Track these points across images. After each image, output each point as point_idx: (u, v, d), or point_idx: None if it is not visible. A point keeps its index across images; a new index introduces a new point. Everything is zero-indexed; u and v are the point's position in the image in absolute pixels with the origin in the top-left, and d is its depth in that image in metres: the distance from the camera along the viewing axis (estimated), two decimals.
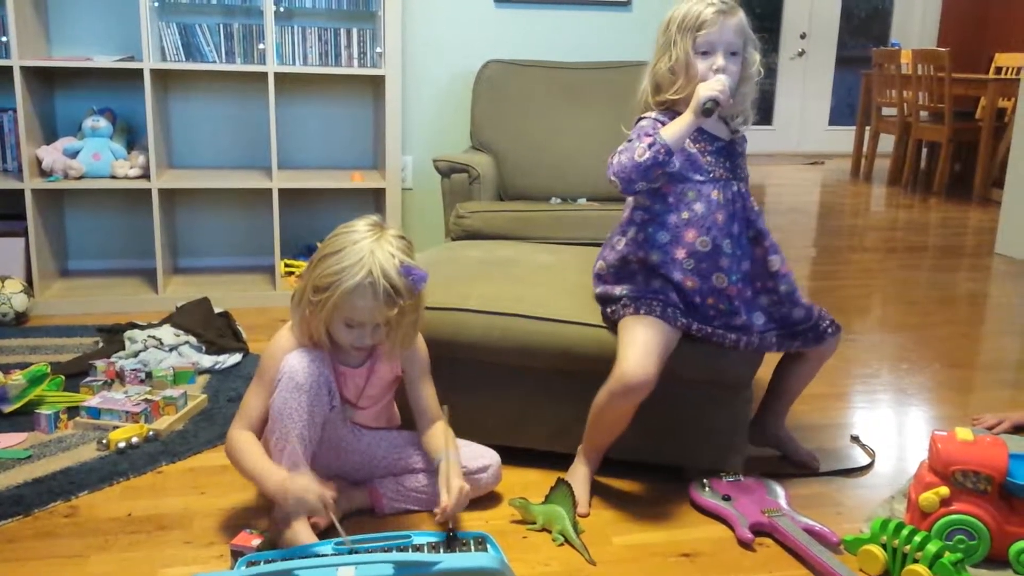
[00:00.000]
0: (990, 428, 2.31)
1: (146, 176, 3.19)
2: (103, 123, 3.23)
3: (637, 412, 1.82)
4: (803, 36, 8.12)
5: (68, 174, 3.14)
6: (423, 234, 3.56)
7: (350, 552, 1.53)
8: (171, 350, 2.62)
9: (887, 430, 2.40)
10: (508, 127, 3.31)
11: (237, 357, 2.68)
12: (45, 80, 3.25)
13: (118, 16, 3.27)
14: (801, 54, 8.15)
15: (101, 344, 2.76)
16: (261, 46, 3.22)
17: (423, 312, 1.78)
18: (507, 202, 3.19)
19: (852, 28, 8.34)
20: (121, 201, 3.44)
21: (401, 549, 1.55)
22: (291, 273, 3.45)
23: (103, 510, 1.84)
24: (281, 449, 1.67)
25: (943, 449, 1.71)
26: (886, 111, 7.15)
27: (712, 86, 1.73)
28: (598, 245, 2.05)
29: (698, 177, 1.83)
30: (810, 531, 1.76)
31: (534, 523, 1.81)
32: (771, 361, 2.06)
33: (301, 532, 1.66)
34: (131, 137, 3.37)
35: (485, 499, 1.90)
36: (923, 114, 6.64)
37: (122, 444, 2.08)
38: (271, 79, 3.17)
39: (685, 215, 1.82)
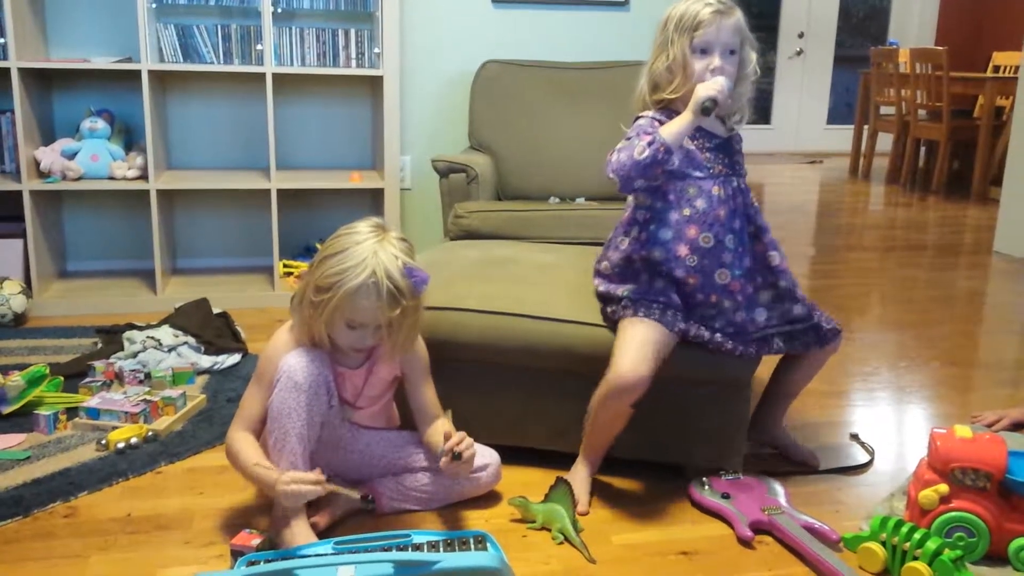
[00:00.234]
0: (989, 425, 2.31)
1: (144, 177, 3.19)
2: (101, 124, 3.23)
3: (637, 411, 1.82)
4: (801, 35, 8.13)
5: (66, 175, 3.14)
6: (421, 234, 3.56)
7: (364, 500, 1.58)
8: (170, 351, 2.62)
9: (886, 428, 2.40)
10: (506, 127, 3.31)
11: (236, 357, 2.68)
12: (43, 81, 3.25)
13: (116, 17, 3.27)
14: (799, 53, 8.15)
15: (100, 345, 2.76)
16: (259, 47, 3.22)
17: (423, 313, 1.78)
18: (505, 202, 3.19)
19: (850, 27, 8.34)
20: (119, 202, 3.44)
21: (401, 548, 1.55)
22: (290, 273, 3.45)
23: (102, 511, 1.84)
24: (280, 449, 1.67)
25: (942, 447, 1.71)
26: (884, 110, 7.16)
27: (711, 86, 1.74)
28: (597, 244, 2.05)
29: (698, 173, 1.84)
30: (810, 529, 1.76)
31: (534, 522, 1.81)
32: (771, 359, 2.06)
33: (301, 532, 1.66)
34: (129, 138, 3.36)
35: (485, 498, 1.90)
36: (921, 113, 6.65)
37: (121, 445, 2.08)
38: (269, 80, 3.17)
39: (687, 212, 1.83)
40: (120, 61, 3.19)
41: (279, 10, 3.30)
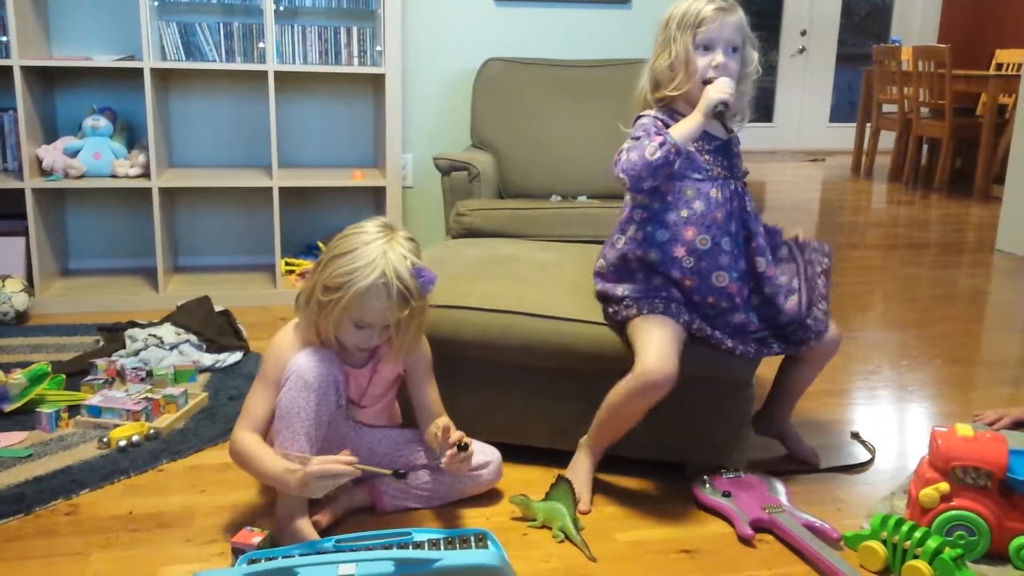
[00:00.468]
0: (990, 424, 2.31)
1: (146, 175, 3.19)
2: (103, 122, 3.23)
3: None
4: (803, 33, 8.12)
5: (68, 173, 3.15)
6: (423, 232, 3.56)
7: (396, 475, 1.62)
8: (172, 348, 2.62)
9: (887, 426, 2.40)
10: (508, 125, 3.31)
11: (238, 355, 2.68)
12: (45, 79, 3.25)
13: (118, 15, 3.27)
14: (802, 51, 8.15)
15: (102, 343, 2.76)
16: (261, 45, 3.22)
17: (428, 313, 1.79)
18: (507, 200, 3.19)
19: (852, 25, 8.33)
20: (121, 200, 3.44)
21: (402, 546, 1.55)
22: (291, 271, 3.46)
23: (104, 508, 1.85)
24: (288, 448, 1.67)
25: (943, 445, 1.71)
26: (887, 108, 7.15)
27: (721, 88, 1.75)
28: (598, 243, 2.05)
29: (697, 175, 1.84)
30: (811, 527, 1.76)
31: (535, 520, 1.81)
32: (773, 359, 2.06)
33: (302, 530, 1.66)
34: (131, 136, 3.37)
35: (486, 496, 1.90)
36: (924, 111, 6.64)
37: (123, 442, 2.09)
38: (271, 78, 3.17)
39: (684, 213, 1.83)
40: (122, 59, 3.19)
41: (281, 8, 3.30)
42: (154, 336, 2.64)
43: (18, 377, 2.26)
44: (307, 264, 3.48)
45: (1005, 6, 7.42)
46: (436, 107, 3.65)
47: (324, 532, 1.72)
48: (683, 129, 1.76)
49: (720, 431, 1.97)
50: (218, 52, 3.23)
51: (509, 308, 1.99)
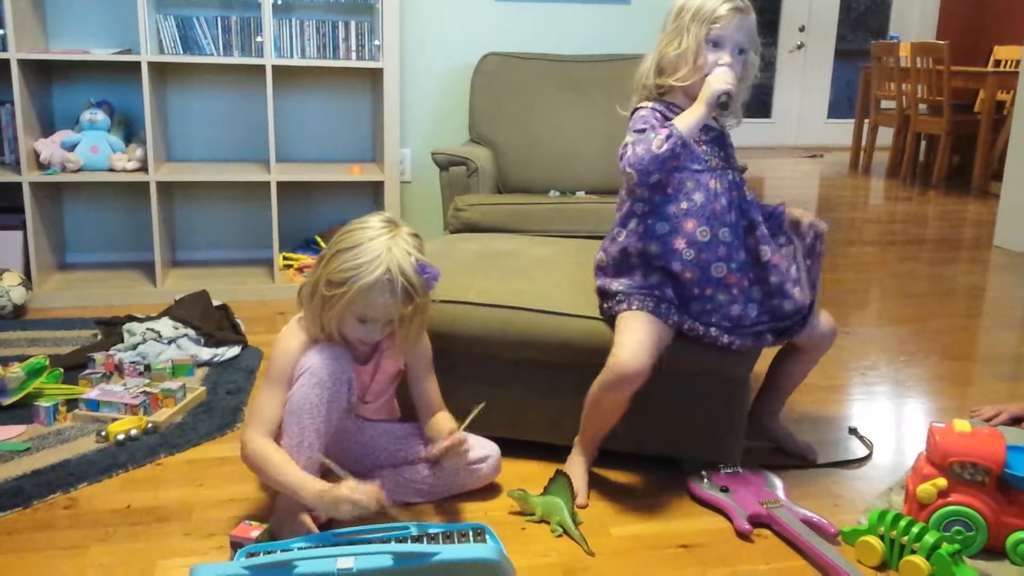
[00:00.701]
0: (988, 420, 2.31)
1: (144, 169, 3.19)
2: (101, 116, 3.22)
3: (636, 404, 1.83)
4: (802, 29, 8.11)
5: (66, 167, 3.14)
6: (421, 227, 3.49)
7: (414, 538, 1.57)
8: (170, 343, 2.62)
9: (885, 422, 2.40)
10: (507, 120, 3.31)
11: (236, 350, 2.68)
12: (43, 73, 3.25)
13: (115, 9, 3.26)
14: (800, 47, 8.14)
15: (100, 337, 2.76)
16: (259, 39, 3.21)
17: (431, 309, 1.79)
18: (506, 195, 3.19)
19: (851, 21, 8.33)
20: (119, 194, 3.43)
21: (400, 540, 1.55)
22: (289, 266, 3.45)
23: (102, 502, 1.85)
24: (297, 444, 1.66)
25: (941, 441, 1.71)
26: (885, 104, 7.15)
27: (724, 78, 1.75)
28: (597, 238, 2.05)
29: (696, 166, 1.84)
30: (808, 522, 1.76)
31: (533, 514, 1.82)
32: (768, 354, 2.06)
33: (301, 524, 1.66)
34: (129, 130, 3.36)
35: (484, 491, 1.90)
36: (922, 107, 6.64)
37: (121, 436, 2.09)
38: (269, 72, 3.16)
39: (684, 205, 1.83)
40: (120, 53, 3.19)
41: (279, 2, 3.29)
42: (152, 330, 2.64)
43: (16, 371, 2.26)
44: (305, 259, 3.48)
45: (1003, 3, 7.42)
46: (434, 102, 3.64)
47: (323, 526, 1.72)
48: (687, 120, 1.76)
49: (717, 426, 1.98)
50: (216, 46, 3.22)
51: (507, 303, 1.99)
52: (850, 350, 2.91)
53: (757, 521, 1.80)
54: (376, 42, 3.30)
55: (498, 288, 2.04)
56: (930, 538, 1.62)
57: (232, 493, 1.89)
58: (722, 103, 1.75)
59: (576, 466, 1.92)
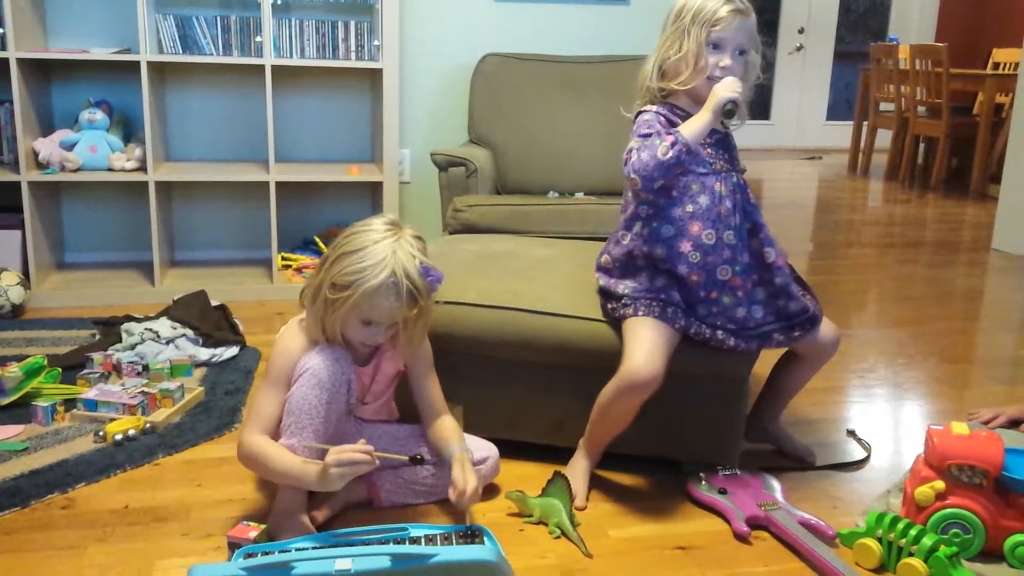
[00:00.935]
0: (986, 423, 2.31)
1: (143, 169, 3.18)
2: (100, 115, 3.22)
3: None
4: (801, 31, 8.12)
5: (65, 166, 3.14)
6: (420, 228, 3.48)
7: (414, 460, 1.62)
8: (168, 343, 2.62)
9: (883, 425, 2.40)
10: (506, 121, 3.31)
11: (234, 350, 2.68)
12: (42, 72, 3.24)
13: (115, 8, 3.26)
14: (799, 49, 8.15)
15: (98, 337, 2.76)
16: (258, 39, 3.21)
17: (434, 311, 1.79)
18: (504, 196, 3.19)
19: (850, 23, 8.34)
20: (118, 194, 3.43)
21: (398, 542, 1.55)
22: (288, 266, 3.45)
23: (100, 502, 1.84)
24: (295, 445, 1.66)
25: (939, 443, 1.71)
26: (884, 106, 7.16)
27: (730, 87, 1.75)
28: (595, 239, 2.05)
29: (701, 170, 1.84)
30: (806, 525, 1.76)
31: (531, 516, 1.81)
32: (769, 357, 2.06)
33: (299, 525, 1.66)
34: (128, 130, 3.36)
35: (482, 492, 1.90)
36: (921, 109, 6.65)
37: (119, 436, 2.08)
38: (268, 72, 3.16)
39: (690, 208, 1.83)
40: (119, 52, 3.18)
41: (278, 2, 3.29)
42: (150, 330, 2.64)
43: (14, 370, 2.26)
44: (304, 259, 3.47)
45: (1003, 5, 7.43)
46: (434, 102, 3.64)
47: (321, 527, 1.72)
48: (693, 127, 1.76)
49: (716, 428, 1.98)
50: (215, 46, 3.22)
51: (506, 304, 1.99)
52: (849, 352, 2.91)
53: (755, 523, 1.80)
54: (375, 42, 3.30)
55: (497, 289, 2.04)
56: (928, 541, 1.62)
57: (230, 493, 1.89)
58: (728, 111, 1.75)
59: (578, 469, 1.93)
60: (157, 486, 1.92)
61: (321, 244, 3.49)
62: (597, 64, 3.39)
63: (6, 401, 2.23)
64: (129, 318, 2.81)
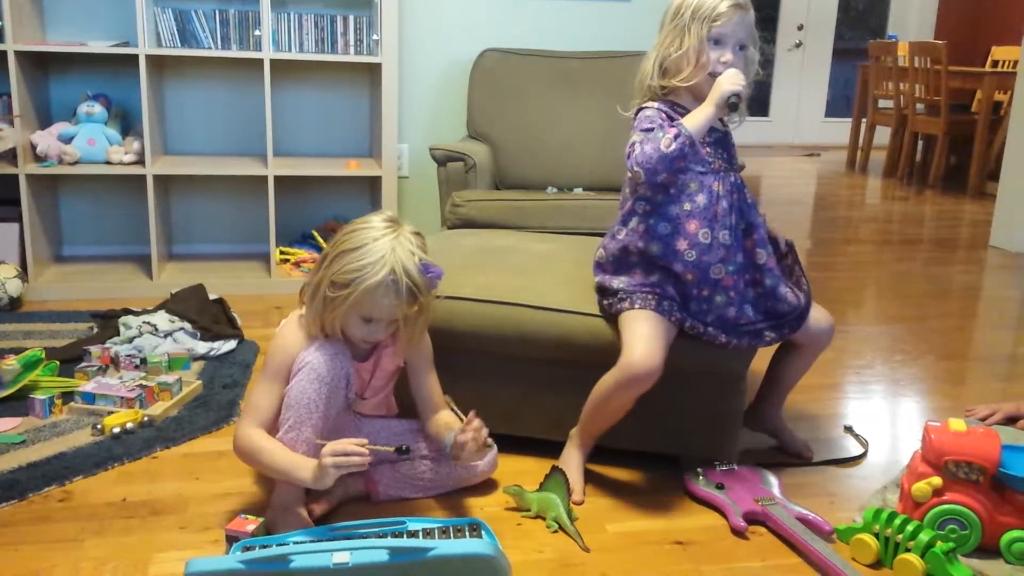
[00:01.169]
0: (983, 419, 2.31)
1: (141, 162, 3.18)
2: (98, 109, 3.22)
3: (634, 402, 1.83)
4: (800, 28, 8.12)
5: (63, 159, 3.13)
6: (419, 223, 3.49)
7: (399, 451, 1.64)
8: (166, 336, 2.62)
9: (881, 421, 2.41)
10: (505, 116, 3.31)
11: (232, 344, 2.68)
12: (40, 65, 3.23)
13: (113, 1, 3.25)
14: (798, 46, 8.14)
15: (96, 330, 2.76)
16: (257, 32, 3.20)
17: (434, 307, 1.79)
18: (503, 191, 3.19)
19: (849, 20, 8.34)
20: (116, 187, 3.43)
21: (396, 535, 1.55)
22: (286, 260, 3.45)
23: (98, 495, 1.85)
24: (294, 439, 1.66)
25: (936, 440, 1.72)
26: (882, 103, 7.16)
27: (733, 80, 1.74)
28: (594, 234, 2.05)
29: (699, 168, 1.84)
30: (803, 520, 1.77)
31: (529, 510, 1.82)
32: (767, 350, 2.06)
33: (297, 518, 1.66)
34: (126, 123, 3.35)
35: (480, 486, 1.91)
36: (919, 107, 6.65)
37: (117, 429, 2.08)
38: (267, 66, 3.15)
39: (687, 206, 1.83)
40: (117, 45, 3.18)
41: None
42: (148, 323, 2.64)
43: (11, 363, 2.26)
44: (302, 253, 3.47)
45: (1001, 3, 7.43)
46: (432, 97, 3.64)
47: (319, 520, 1.72)
48: (696, 120, 1.76)
49: (713, 423, 1.98)
50: (214, 39, 3.21)
51: (505, 299, 1.99)
52: (846, 349, 2.91)
53: (752, 518, 1.80)
54: (374, 37, 3.30)
55: (496, 284, 2.04)
56: (925, 536, 1.63)
57: (228, 487, 1.89)
58: (731, 104, 1.75)
59: (572, 460, 1.93)
60: (155, 479, 1.92)
61: (319, 238, 3.49)
62: (596, 60, 3.39)
63: (4, 394, 2.23)
64: (127, 311, 2.81)
